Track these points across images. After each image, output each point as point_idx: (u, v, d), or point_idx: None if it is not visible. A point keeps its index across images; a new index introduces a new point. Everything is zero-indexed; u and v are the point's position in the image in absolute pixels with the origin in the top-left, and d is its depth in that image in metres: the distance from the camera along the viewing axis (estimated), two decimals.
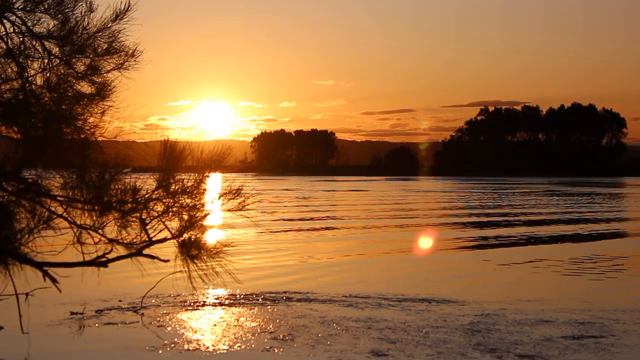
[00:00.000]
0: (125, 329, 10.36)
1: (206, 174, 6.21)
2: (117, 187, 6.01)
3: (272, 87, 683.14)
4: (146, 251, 6.24)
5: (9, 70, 6.04)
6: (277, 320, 10.89)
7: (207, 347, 9.35)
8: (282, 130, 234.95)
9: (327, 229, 28.79)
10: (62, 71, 6.17)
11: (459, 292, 13.51)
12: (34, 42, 6.09)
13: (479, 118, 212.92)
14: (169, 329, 10.33)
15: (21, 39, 6.07)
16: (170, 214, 6.17)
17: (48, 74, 6.12)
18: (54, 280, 6.12)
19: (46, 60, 6.12)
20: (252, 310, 11.65)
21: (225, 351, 9.21)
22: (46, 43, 6.10)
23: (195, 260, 6.31)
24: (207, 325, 10.61)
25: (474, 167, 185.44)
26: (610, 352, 9.23)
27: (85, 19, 6.15)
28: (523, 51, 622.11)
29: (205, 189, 6.23)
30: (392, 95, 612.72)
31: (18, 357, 8.64)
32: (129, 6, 6.20)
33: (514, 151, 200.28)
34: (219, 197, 6.27)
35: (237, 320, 10.96)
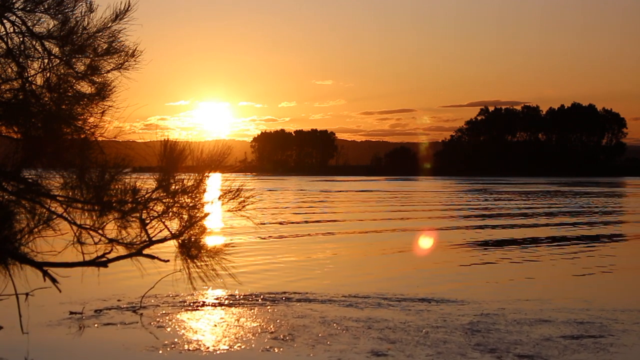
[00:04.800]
0: (124, 329, 10.36)
1: (206, 174, 6.21)
2: (117, 187, 6.02)
3: (271, 87, 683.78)
4: (146, 251, 6.25)
5: (9, 70, 6.04)
6: (277, 321, 10.89)
7: (207, 348, 9.35)
8: (282, 130, 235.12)
9: (327, 228, 28.78)
10: (62, 71, 6.17)
11: (458, 292, 13.52)
12: (34, 42, 6.10)
13: (479, 118, 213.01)
14: (168, 329, 10.33)
15: (21, 39, 6.07)
16: (170, 214, 6.17)
17: (48, 74, 6.13)
18: (54, 280, 6.13)
19: (46, 60, 6.12)
20: (252, 311, 11.65)
21: (225, 351, 9.21)
22: (46, 43, 6.11)
23: (195, 260, 6.31)
24: (206, 326, 10.61)
25: (474, 167, 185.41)
26: (609, 352, 9.24)
27: (85, 19, 6.16)
28: (523, 51, 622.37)
29: (205, 189, 6.23)
30: (392, 95, 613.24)
31: (18, 357, 8.64)
32: (129, 6, 6.20)
33: (514, 151, 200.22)
34: (219, 197, 6.27)
35: (237, 320, 10.97)
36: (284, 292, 13.35)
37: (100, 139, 6.18)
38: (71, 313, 11.19)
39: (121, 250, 6.21)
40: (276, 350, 9.21)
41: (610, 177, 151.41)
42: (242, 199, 6.30)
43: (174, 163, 6.08)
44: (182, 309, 11.67)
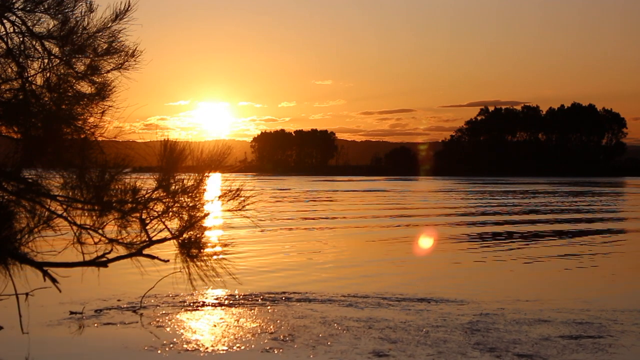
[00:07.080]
0: (124, 328, 10.37)
1: (206, 174, 6.21)
2: (117, 187, 6.01)
3: (271, 87, 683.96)
4: (146, 251, 6.24)
5: (9, 70, 6.04)
6: (277, 321, 10.90)
7: (207, 348, 9.36)
8: (282, 130, 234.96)
9: (327, 228, 28.79)
10: (62, 71, 6.17)
11: (458, 292, 13.53)
12: (34, 42, 6.10)
13: (478, 118, 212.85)
14: (168, 329, 10.33)
15: (21, 39, 6.07)
16: (170, 214, 6.17)
17: (48, 74, 6.13)
18: (54, 280, 6.13)
19: (46, 60, 6.12)
20: (252, 311, 11.65)
21: (224, 351, 9.22)
22: (46, 43, 6.11)
23: (195, 260, 6.31)
24: (206, 326, 10.61)
25: (474, 167, 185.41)
26: (608, 353, 9.24)
27: (85, 19, 6.15)
28: (523, 51, 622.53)
29: (205, 189, 6.23)
30: (391, 95, 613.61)
31: (18, 357, 8.64)
32: (129, 6, 6.20)
33: (514, 151, 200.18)
34: (219, 197, 6.27)
35: (237, 320, 10.97)
36: (284, 292, 13.36)
37: (100, 139, 6.18)
38: (71, 313, 11.19)
39: (121, 250, 6.21)
40: (276, 351, 9.21)
41: (610, 177, 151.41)
42: (242, 198, 6.30)
43: (174, 163, 6.08)
44: (182, 309, 11.67)
